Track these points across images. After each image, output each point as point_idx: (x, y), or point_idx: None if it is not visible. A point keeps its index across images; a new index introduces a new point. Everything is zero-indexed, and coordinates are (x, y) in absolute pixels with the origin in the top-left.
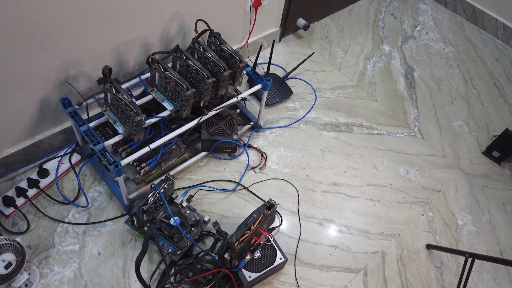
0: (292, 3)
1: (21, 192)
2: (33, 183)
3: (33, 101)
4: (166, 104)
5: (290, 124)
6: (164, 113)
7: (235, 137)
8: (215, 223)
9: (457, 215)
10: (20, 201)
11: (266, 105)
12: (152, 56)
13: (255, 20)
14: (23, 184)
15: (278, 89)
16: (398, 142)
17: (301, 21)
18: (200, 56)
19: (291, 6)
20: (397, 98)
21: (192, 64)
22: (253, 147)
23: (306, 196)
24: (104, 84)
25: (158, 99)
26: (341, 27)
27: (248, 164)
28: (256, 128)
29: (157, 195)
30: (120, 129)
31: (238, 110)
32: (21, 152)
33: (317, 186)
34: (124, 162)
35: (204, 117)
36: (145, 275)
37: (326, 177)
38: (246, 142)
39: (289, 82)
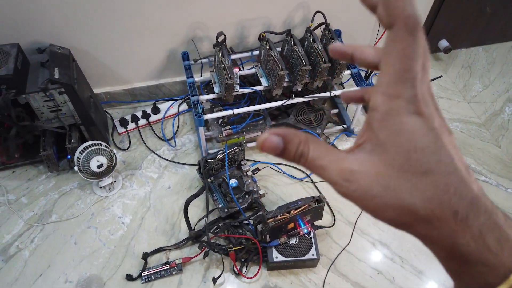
0: (437, 21)
1: (135, 119)
2: (145, 115)
3: (164, 50)
4: (263, 80)
5: None
6: (258, 88)
7: (318, 131)
8: (257, 192)
9: None
10: (131, 125)
11: None
12: (263, 34)
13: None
14: (138, 114)
15: None
16: (507, 198)
17: (443, 43)
18: (308, 45)
19: (435, 24)
20: None
21: (296, 49)
22: (336, 147)
23: None
24: (215, 47)
25: (258, 74)
26: (492, 61)
27: None
28: (348, 132)
29: (225, 154)
30: (216, 89)
31: (337, 110)
32: (146, 89)
33: None
34: (206, 116)
35: (290, 101)
36: (195, 218)
37: None
38: (331, 141)
39: None
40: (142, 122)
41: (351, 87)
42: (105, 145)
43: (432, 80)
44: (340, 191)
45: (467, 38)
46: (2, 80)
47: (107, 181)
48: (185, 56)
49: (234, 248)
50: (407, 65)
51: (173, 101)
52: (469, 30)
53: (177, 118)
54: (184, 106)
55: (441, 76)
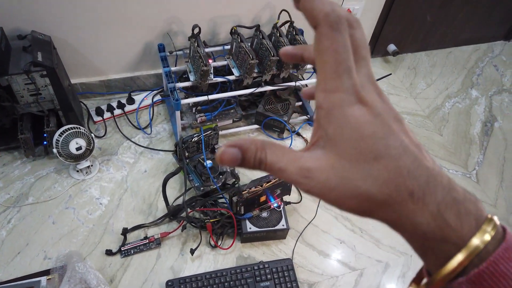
0: (386, 27)
1: (110, 108)
2: (120, 106)
3: (140, 42)
4: (234, 70)
5: None
6: (230, 77)
7: (285, 118)
8: (236, 174)
9: None
10: (107, 115)
11: None
12: (235, 28)
13: None
14: (114, 104)
15: None
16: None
17: (391, 47)
18: (275, 40)
19: (384, 30)
20: (465, 139)
21: (265, 42)
22: (301, 135)
23: None
24: (190, 39)
25: (230, 65)
26: (434, 64)
27: (290, 146)
28: (311, 121)
29: (201, 136)
30: (192, 77)
31: (301, 103)
32: (121, 80)
33: None
34: (184, 101)
35: (260, 89)
36: (171, 198)
37: None
38: (296, 130)
39: None
40: (117, 111)
41: (315, 79)
42: (84, 129)
43: (382, 78)
44: (302, 188)
45: (412, 44)
46: None
47: (84, 164)
48: (161, 48)
49: (211, 220)
50: (338, 59)
51: (149, 92)
52: (413, 36)
53: (151, 108)
54: (158, 98)
55: (390, 74)
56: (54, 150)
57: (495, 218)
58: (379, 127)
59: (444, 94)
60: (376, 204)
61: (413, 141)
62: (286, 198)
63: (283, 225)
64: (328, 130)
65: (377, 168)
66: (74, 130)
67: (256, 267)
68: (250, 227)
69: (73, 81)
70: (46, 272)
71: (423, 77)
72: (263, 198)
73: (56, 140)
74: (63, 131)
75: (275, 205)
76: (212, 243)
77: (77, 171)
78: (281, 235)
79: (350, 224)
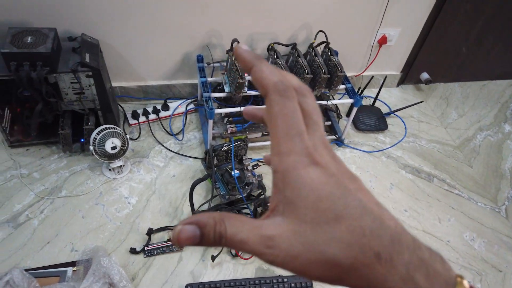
0: (420, 55)
1: (145, 113)
2: (155, 111)
3: (180, 52)
4: None
5: (373, 152)
6: None
7: None
8: (260, 176)
9: None
10: (142, 119)
11: (357, 129)
12: (272, 45)
13: (376, 56)
14: (149, 109)
15: (375, 120)
16: (476, 210)
17: (424, 75)
18: (310, 59)
19: (418, 57)
20: (496, 173)
21: (300, 60)
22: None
23: None
24: (228, 52)
25: None
26: (466, 95)
27: None
28: (338, 141)
29: (232, 146)
30: (226, 89)
31: (330, 122)
32: (157, 87)
33: None
34: (217, 111)
35: None
36: (196, 204)
37: None
38: None
39: (389, 120)
40: (152, 116)
41: (345, 100)
42: (120, 130)
43: (413, 104)
44: (266, 259)
45: (445, 74)
46: (40, 57)
47: (117, 163)
48: (200, 59)
49: None
50: (289, 123)
51: (183, 100)
52: (447, 66)
53: (185, 115)
54: (191, 107)
55: (422, 101)
56: (91, 148)
57: (465, 281)
58: (335, 187)
59: (476, 126)
60: (344, 270)
61: (371, 199)
62: None
63: None
64: (286, 193)
65: (339, 229)
66: (111, 130)
67: (274, 280)
68: None
69: (113, 84)
70: (72, 264)
71: (455, 108)
72: None
73: (94, 138)
74: (101, 129)
75: None
76: (233, 251)
77: (110, 169)
78: None
79: None
